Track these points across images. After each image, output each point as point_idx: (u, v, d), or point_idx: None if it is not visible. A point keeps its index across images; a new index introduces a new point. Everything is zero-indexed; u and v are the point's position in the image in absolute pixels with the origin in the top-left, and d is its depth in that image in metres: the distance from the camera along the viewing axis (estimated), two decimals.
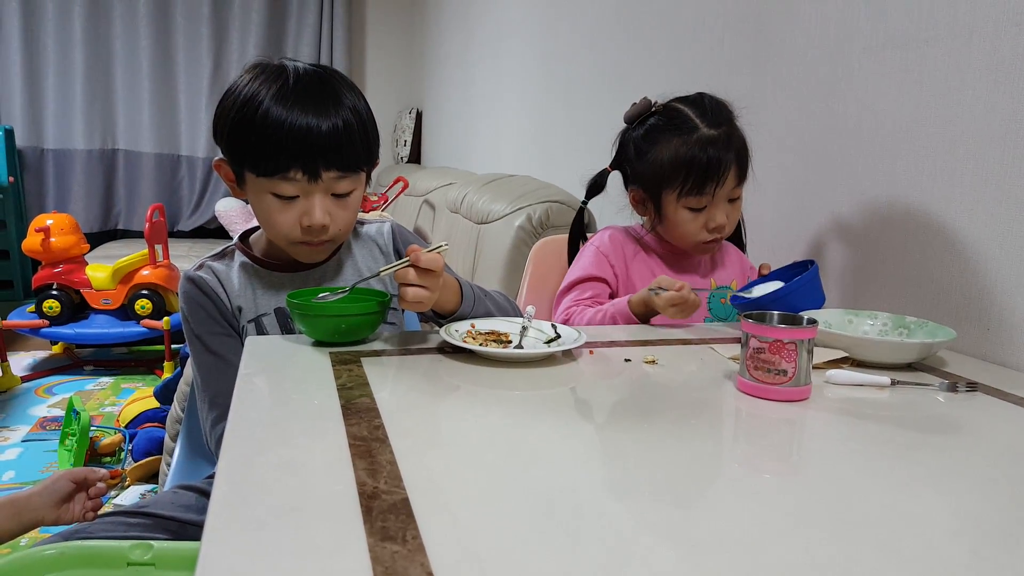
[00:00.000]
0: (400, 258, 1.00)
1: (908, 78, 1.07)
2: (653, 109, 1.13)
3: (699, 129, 1.07)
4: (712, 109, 1.09)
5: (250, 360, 0.81)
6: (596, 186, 1.24)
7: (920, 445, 0.66)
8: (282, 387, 0.75)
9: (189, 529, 0.90)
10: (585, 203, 1.26)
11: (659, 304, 1.01)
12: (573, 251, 1.30)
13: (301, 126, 0.87)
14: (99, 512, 0.86)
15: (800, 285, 0.98)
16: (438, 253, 0.87)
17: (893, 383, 0.81)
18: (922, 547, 0.48)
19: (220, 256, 1.04)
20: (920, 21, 1.05)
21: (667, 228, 1.14)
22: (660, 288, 1.02)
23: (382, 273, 0.90)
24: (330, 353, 0.84)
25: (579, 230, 1.30)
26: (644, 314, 1.08)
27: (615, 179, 1.23)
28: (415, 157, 4.26)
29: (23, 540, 1.48)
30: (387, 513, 0.48)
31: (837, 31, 1.19)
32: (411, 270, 0.85)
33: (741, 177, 1.09)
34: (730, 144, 1.07)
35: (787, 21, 1.30)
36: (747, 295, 1.01)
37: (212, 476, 1.01)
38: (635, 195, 1.17)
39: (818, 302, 0.99)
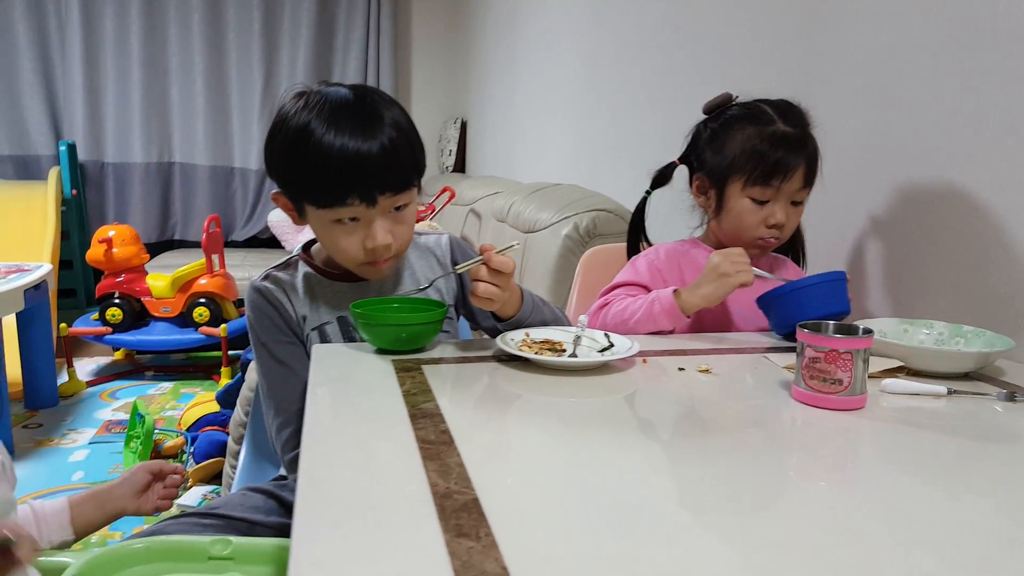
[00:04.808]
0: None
1: (965, 84, 1.06)
2: (734, 102, 1.16)
3: (775, 123, 1.09)
4: (792, 111, 1.12)
5: (319, 367, 0.85)
6: (662, 177, 1.26)
7: (977, 454, 0.67)
8: (351, 393, 0.79)
9: (258, 529, 0.95)
10: (649, 193, 1.29)
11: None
12: (633, 239, 1.32)
13: (352, 154, 0.90)
14: (172, 500, 0.91)
15: (813, 283, 0.98)
16: (508, 255, 0.91)
17: (950, 392, 0.81)
18: (979, 555, 0.49)
19: (284, 266, 1.08)
20: (977, 25, 1.04)
21: (726, 220, 1.14)
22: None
23: (457, 270, 0.96)
24: (393, 361, 0.88)
25: (640, 218, 1.32)
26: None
27: (681, 178, 1.24)
28: (460, 166, 4.33)
29: (93, 538, 1.56)
30: (460, 512, 0.51)
31: (891, 37, 1.19)
32: (483, 267, 0.90)
33: (808, 181, 1.10)
34: (804, 145, 1.09)
35: (839, 28, 1.30)
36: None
37: (278, 478, 1.06)
38: (700, 184, 1.19)
39: (838, 307, 1.00)
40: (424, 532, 0.48)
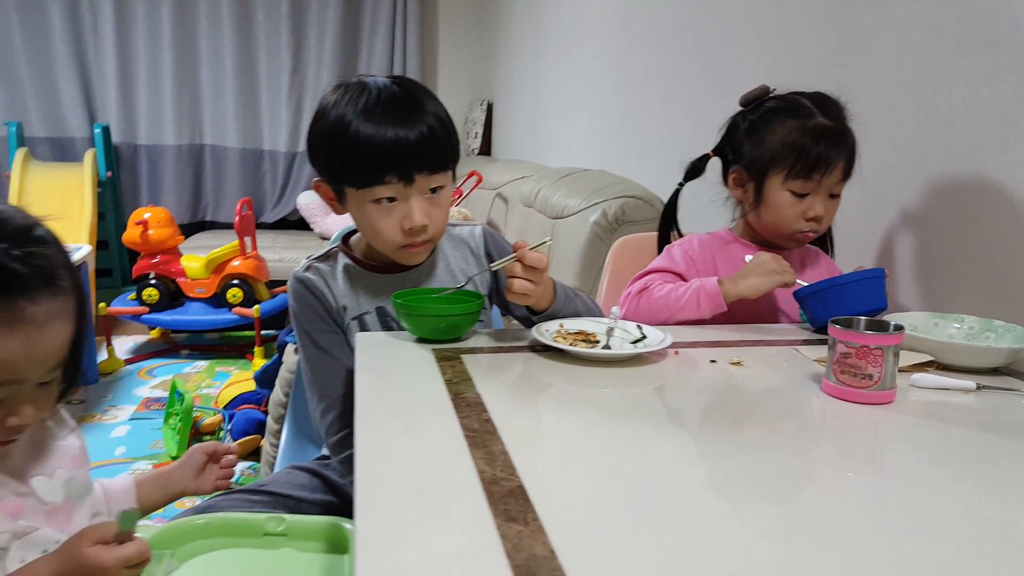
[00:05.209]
0: (491, 260, 1.07)
1: (1001, 78, 1.06)
2: (771, 95, 1.17)
3: (816, 117, 1.11)
4: (831, 104, 1.13)
5: (364, 355, 0.88)
6: (695, 170, 1.27)
7: (1005, 449, 0.69)
8: (397, 381, 0.82)
9: (304, 506, 0.99)
10: (682, 185, 1.30)
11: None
12: (665, 230, 1.34)
13: (391, 138, 0.94)
14: (229, 480, 0.96)
15: (853, 280, 1.00)
16: (541, 251, 0.93)
17: (979, 387, 0.83)
18: (1005, 550, 0.51)
19: (325, 258, 1.11)
20: (1014, 18, 1.04)
21: (764, 213, 1.16)
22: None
23: (493, 267, 0.99)
24: (433, 350, 0.91)
25: (672, 210, 1.34)
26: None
27: (713, 171, 1.25)
28: (485, 149, 4.34)
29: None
30: (507, 497, 0.54)
31: (928, 30, 1.18)
32: (518, 264, 0.93)
33: (847, 174, 1.12)
34: (844, 137, 1.10)
35: (876, 20, 1.30)
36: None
37: (321, 458, 1.11)
38: (737, 177, 1.20)
39: (876, 304, 1.01)
40: (475, 516, 0.52)
